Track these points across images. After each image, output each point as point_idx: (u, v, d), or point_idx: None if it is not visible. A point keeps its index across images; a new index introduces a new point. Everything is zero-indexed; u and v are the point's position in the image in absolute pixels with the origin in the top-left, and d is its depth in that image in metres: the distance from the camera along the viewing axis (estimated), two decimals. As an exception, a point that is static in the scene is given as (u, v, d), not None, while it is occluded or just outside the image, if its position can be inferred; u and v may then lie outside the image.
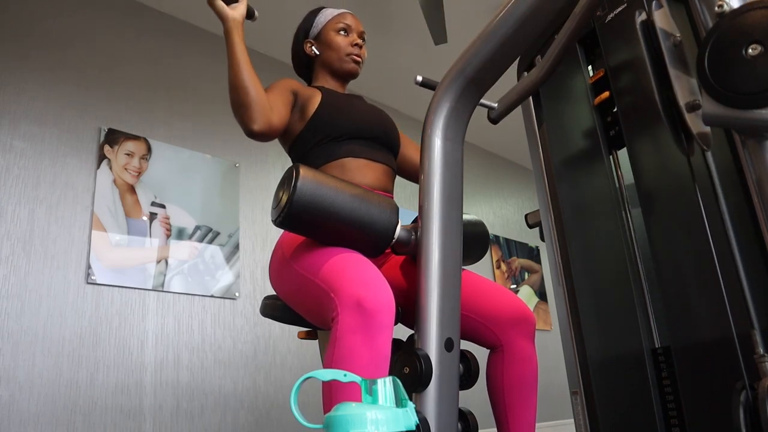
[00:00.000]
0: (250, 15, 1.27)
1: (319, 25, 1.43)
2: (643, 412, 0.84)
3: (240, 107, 1.17)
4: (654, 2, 0.87)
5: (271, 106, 1.21)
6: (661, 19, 0.81)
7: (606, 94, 0.95)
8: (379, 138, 1.35)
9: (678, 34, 0.80)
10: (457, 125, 1.14)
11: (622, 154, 0.96)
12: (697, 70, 0.67)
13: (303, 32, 1.46)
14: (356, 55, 1.42)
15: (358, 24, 1.45)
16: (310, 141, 1.30)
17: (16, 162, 2.08)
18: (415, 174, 1.53)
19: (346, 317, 0.92)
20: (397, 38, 3.12)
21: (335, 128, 1.29)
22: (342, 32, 1.41)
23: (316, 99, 1.33)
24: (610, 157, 0.97)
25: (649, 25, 0.84)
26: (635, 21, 0.87)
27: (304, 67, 1.49)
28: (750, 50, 0.62)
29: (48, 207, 2.10)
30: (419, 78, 1.37)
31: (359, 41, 1.43)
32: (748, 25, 0.63)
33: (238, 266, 2.57)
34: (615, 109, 0.95)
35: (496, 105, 1.33)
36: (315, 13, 1.46)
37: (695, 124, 0.76)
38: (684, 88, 0.77)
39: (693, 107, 0.76)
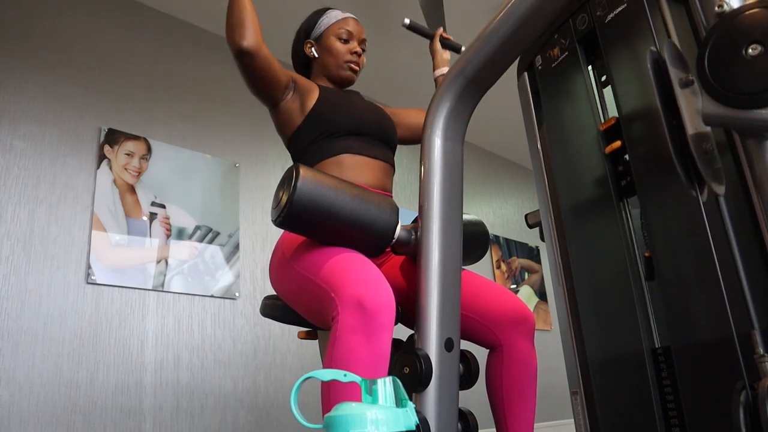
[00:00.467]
0: None
1: (321, 27, 1.43)
2: (643, 412, 0.84)
3: (234, 25, 1.18)
4: (655, 5, 0.87)
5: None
6: (673, 57, 0.80)
7: (612, 122, 0.94)
8: (376, 134, 1.35)
9: (689, 73, 0.79)
10: (457, 125, 1.14)
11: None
12: (697, 70, 0.67)
13: (304, 32, 1.46)
14: (354, 63, 1.41)
15: (361, 31, 1.44)
16: (308, 136, 1.30)
17: (16, 162, 2.08)
18: (417, 135, 1.53)
19: (347, 317, 0.92)
20: (397, 38, 3.12)
21: (332, 124, 1.29)
22: (342, 38, 1.41)
23: (314, 94, 1.33)
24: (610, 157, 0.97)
25: (652, 31, 0.83)
26: (637, 25, 0.86)
27: (303, 65, 1.49)
28: (750, 50, 0.62)
29: (48, 207, 2.10)
30: (407, 21, 1.38)
31: (358, 49, 1.42)
32: (748, 25, 0.63)
33: (238, 266, 2.57)
34: (615, 113, 0.95)
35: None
36: (319, 13, 1.45)
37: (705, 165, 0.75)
38: (693, 116, 0.76)
39: (706, 152, 0.75)
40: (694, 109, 0.77)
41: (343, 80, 1.43)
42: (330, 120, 1.30)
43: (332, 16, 1.43)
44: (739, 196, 0.72)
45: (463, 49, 1.59)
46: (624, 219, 0.92)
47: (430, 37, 1.63)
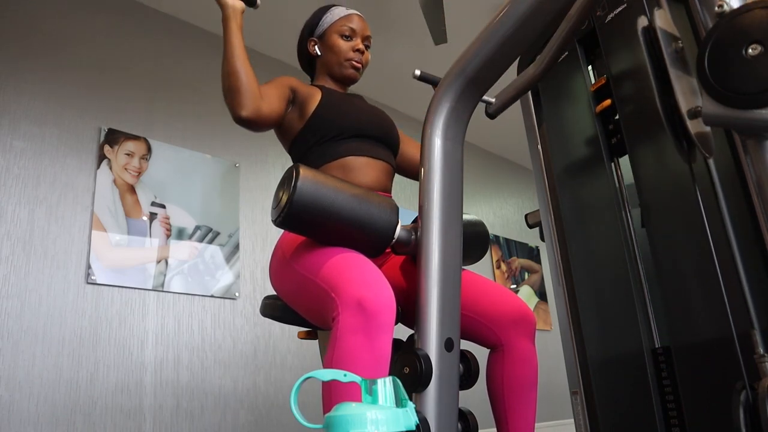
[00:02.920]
0: (251, 3, 1.26)
1: (325, 24, 1.42)
2: (643, 412, 0.84)
3: (230, 92, 1.17)
4: (655, 5, 0.87)
5: (263, 95, 1.21)
6: (663, 23, 0.80)
7: (608, 102, 0.94)
8: (378, 136, 1.35)
9: (680, 40, 0.80)
10: (457, 125, 1.14)
11: (623, 157, 0.96)
12: (697, 70, 0.67)
13: (308, 29, 1.45)
14: (356, 61, 1.40)
15: (364, 28, 1.43)
16: (310, 140, 1.30)
17: (16, 162, 2.08)
18: (414, 172, 1.52)
19: (347, 317, 0.92)
20: (397, 38, 3.12)
21: (335, 127, 1.29)
22: (345, 36, 1.40)
23: (316, 98, 1.32)
24: (611, 158, 0.97)
25: (650, 30, 0.83)
26: (637, 25, 0.86)
27: (307, 63, 1.48)
28: (750, 50, 0.62)
29: (48, 207, 2.10)
30: (417, 72, 1.36)
31: (361, 47, 1.41)
32: (748, 25, 0.63)
33: (238, 266, 2.57)
34: (617, 117, 0.94)
35: (493, 100, 1.33)
36: (323, 11, 1.44)
37: (697, 130, 0.76)
38: (686, 94, 0.77)
39: (695, 114, 0.76)
40: (683, 76, 0.77)
41: (345, 78, 1.42)
42: (332, 123, 1.29)
43: (335, 14, 1.42)
44: (739, 197, 0.72)
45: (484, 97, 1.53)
46: (624, 221, 0.92)
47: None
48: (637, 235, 0.92)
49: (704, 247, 0.75)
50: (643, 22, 0.85)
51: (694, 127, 0.75)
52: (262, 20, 2.78)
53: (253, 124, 1.20)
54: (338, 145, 1.29)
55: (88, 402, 1.98)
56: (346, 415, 0.69)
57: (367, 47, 1.44)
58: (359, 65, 1.41)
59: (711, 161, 0.76)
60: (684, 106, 0.76)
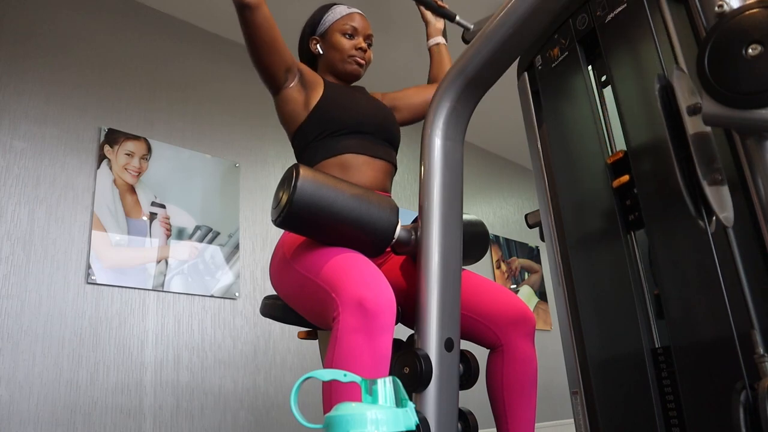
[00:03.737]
0: None
1: (326, 23, 1.42)
2: (643, 412, 0.84)
3: None
4: (655, 5, 0.87)
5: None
6: (682, 85, 0.78)
7: (620, 155, 0.91)
8: (379, 133, 1.34)
9: (699, 103, 0.77)
10: (457, 125, 1.14)
11: (620, 144, 0.95)
12: (697, 70, 0.67)
13: (310, 28, 1.45)
14: (359, 58, 1.40)
15: (366, 26, 1.43)
16: (311, 134, 1.30)
17: (16, 162, 2.08)
18: (419, 112, 1.55)
19: (347, 317, 0.92)
20: (397, 38, 3.12)
21: (336, 122, 1.29)
22: (347, 34, 1.40)
23: (319, 90, 1.32)
24: (610, 155, 0.97)
25: (667, 89, 0.81)
26: (655, 87, 0.84)
27: (309, 63, 1.48)
28: (750, 50, 0.62)
29: (48, 207, 2.10)
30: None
31: (363, 45, 1.41)
32: (748, 25, 0.63)
33: (238, 266, 2.57)
34: (617, 115, 0.95)
35: (472, 26, 1.34)
36: (324, 9, 1.45)
37: (716, 196, 0.73)
38: (705, 161, 0.74)
39: (714, 181, 0.73)
40: (703, 139, 0.75)
41: (348, 74, 1.42)
42: (333, 118, 1.29)
43: (337, 12, 1.42)
44: (739, 196, 0.72)
45: (457, 17, 1.54)
46: (631, 249, 0.92)
47: (427, 4, 1.59)
48: (638, 234, 0.92)
49: (704, 247, 0.75)
50: (660, 83, 0.83)
51: (713, 194, 0.73)
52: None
53: (253, 9, 1.19)
54: (338, 141, 1.28)
55: (88, 402, 1.98)
56: (346, 415, 0.69)
57: (369, 45, 1.44)
58: (362, 61, 1.41)
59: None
60: (702, 173, 0.74)
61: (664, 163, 0.81)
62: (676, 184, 0.78)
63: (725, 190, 0.73)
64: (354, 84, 1.50)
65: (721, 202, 0.72)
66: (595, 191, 0.98)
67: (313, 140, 1.30)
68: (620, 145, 0.95)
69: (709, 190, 0.73)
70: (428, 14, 1.63)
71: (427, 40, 1.65)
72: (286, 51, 1.29)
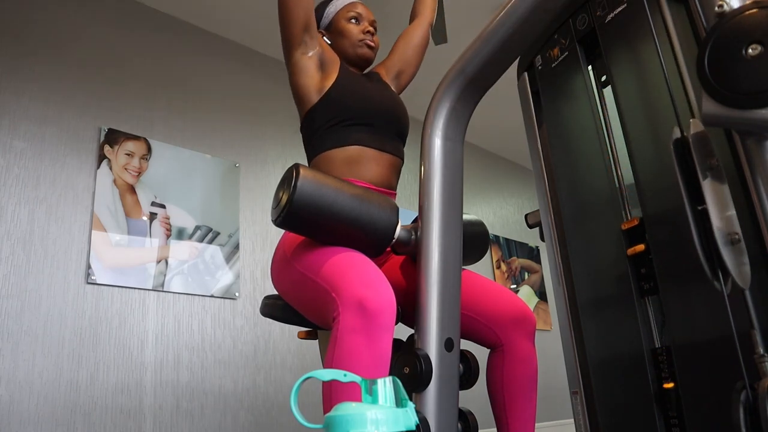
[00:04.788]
0: None
1: (330, 15, 1.42)
2: (643, 412, 0.84)
3: None
4: (655, 5, 0.87)
5: None
6: (698, 141, 0.76)
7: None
8: (390, 125, 1.33)
9: (715, 157, 0.74)
10: (457, 125, 1.14)
11: (620, 144, 0.95)
12: (697, 70, 0.67)
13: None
14: (369, 40, 1.41)
15: (369, 13, 1.44)
16: (321, 120, 1.29)
17: (16, 162, 2.08)
18: (418, 54, 1.57)
19: (348, 317, 0.92)
20: (396, 37, 3.12)
21: (347, 111, 1.28)
22: (353, 20, 1.41)
23: (334, 73, 1.32)
24: (609, 155, 0.97)
25: (684, 142, 0.79)
26: (670, 138, 0.82)
27: None
28: (750, 50, 0.62)
29: (48, 207, 2.10)
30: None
31: (371, 29, 1.42)
32: (748, 25, 0.63)
33: (238, 266, 2.57)
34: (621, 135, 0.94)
35: None
36: (325, 4, 1.45)
37: (731, 258, 0.72)
38: (723, 219, 0.73)
39: (731, 242, 0.72)
40: (720, 198, 0.73)
41: (361, 58, 1.41)
42: (345, 106, 1.28)
43: (338, 4, 1.43)
44: (739, 196, 0.72)
45: None
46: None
47: None
48: (633, 236, 0.92)
49: (704, 246, 0.75)
50: (676, 133, 0.81)
51: (729, 254, 0.72)
52: (264, 20, 2.78)
53: None
54: (348, 131, 1.27)
55: (88, 402, 1.98)
56: (346, 415, 0.69)
57: (375, 30, 1.44)
58: (372, 44, 1.42)
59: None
60: (719, 232, 0.72)
61: (681, 231, 0.78)
62: (694, 249, 0.75)
63: (742, 247, 0.71)
64: (367, 71, 1.49)
65: (738, 262, 0.71)
66: (595, 192, 0.98)
67: (321, 127, 1.29)
68: (620, 145, 0.95)
69: (725, 251, 0.71)
70: None
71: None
72: (311, 5, 1.27)
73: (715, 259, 0.74)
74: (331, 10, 1.43)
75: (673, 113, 0.82)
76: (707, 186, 0.74)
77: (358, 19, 1.41)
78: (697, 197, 0.76)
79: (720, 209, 0.73)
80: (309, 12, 1.27)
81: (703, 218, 0.76)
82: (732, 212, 0.72)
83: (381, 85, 1.42)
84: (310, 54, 1.30)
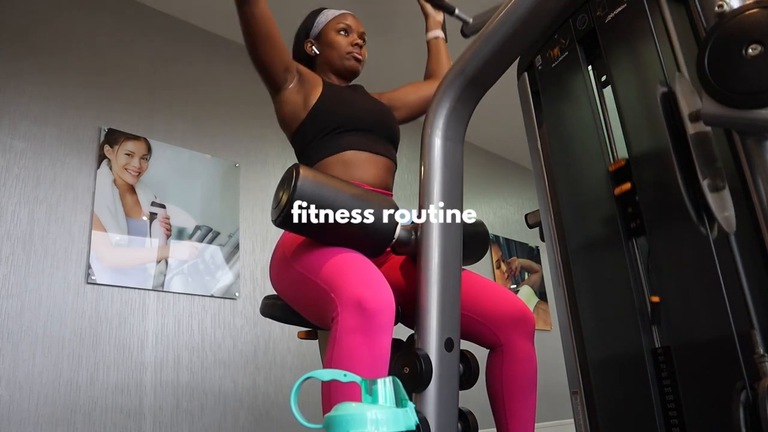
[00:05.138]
0: None
1: (320, 25, 1.44)
2: (643, 412, 0.84)
3: None
4: (655, 5, 0.87)
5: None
6: (684, 91, 0.77)
7: (622, 163, 0.91)
8: (379, 130, 1.35)
9: (701, 106, 0.76)
10: (457, 125, 1.14)
11: (620, 144, 0.95)
12: (697, 70, 0.67)
13: (303, 32, 1.47)
14: (357, 53, 1.42)
15: (359, 25, 1.46)
16: (311, 132, 1.30)
17: (16, 162, 2.08)
18: (418, 108, 1.57)
19: (347, 317, 0.92)
20: (397, 38, 3.12)
21: (336, 120, 1.29)
22: (342, 32, 1.42)
23: (318, 89, 1.33)
24: (609, 155, 0.97)
25: (670, 96, 0.81)
26: (656, 93, 0.83)
27: (305, 66, 1.49)
28: (750, 50, 0.62)
29: (48, 207, 2.10)
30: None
31: (359, 41, 1.43)
32: (748, 25, 0.63)
33: (238, 266, 2.57)
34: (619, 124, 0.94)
35: (471, 19, 1.35)
36: (316, 13, 1.47)
37: (717, 203, 0.73)
38: (707, 165, 0.74)
39: (716, 187, 0.73)
40: (705, 144, 0.75)
41: (348, 71, 1.43)
42: (333, 116, 1.30)
43: (329, 14, 1.45)
44: (739, 196, 0.72)
45: (457, 11, 1.56)
46: (631, 252, 0.91)
47: None
48: (639, 240, 0.92)
49: (704, 247, 0.75)
50: (663, 90, 0.82)
51: (714, 200, 0.73)
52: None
53: (251, 5, 1.19)
54: (338, 138, 1.29)
55: (88, 402, 1.98)
56: (346, 415, 0.69)
57: (363, 42, 1.45)
58: (360, 57, 1.43)
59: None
60: (705, 181, 0.73)
61: (666, 170, 0.80)
62: (678, 191, 0.77)
63: (727, 194, 0.72)
64: (352, 83, 1.50)
65: (723, 207, 0.72)
66: (595, 193, 0.98)
67: (313, 139, 1.30)
68: (620, 145, 0.95)
69: (710, 196, 0.72)
70: (428, 6, 1.64)
71: (426, 33, 1.66)
72: (284, 49, 1.30)
73: (701, 206, 0.75)
74: (321, 20, 1.44)
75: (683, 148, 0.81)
76: (692, 133, 0.75)
77: (347, 30, 1.43)
78: (685, 150, 0.77)
79: (704, 156, 0.74)
80: (284, 56, 1.30)
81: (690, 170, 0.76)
82: (718, 160, 0.74)
83: (367, 96, 1.45)
84: (291, 86, 1.33)
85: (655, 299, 0.84)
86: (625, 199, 0.90)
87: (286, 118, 1.35)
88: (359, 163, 1.28)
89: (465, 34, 1.54)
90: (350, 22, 1.44)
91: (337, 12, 1.45)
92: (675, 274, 0.82)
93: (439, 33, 1.65)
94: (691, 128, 0.76)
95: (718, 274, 0.73)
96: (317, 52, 1.44)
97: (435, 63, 1.63)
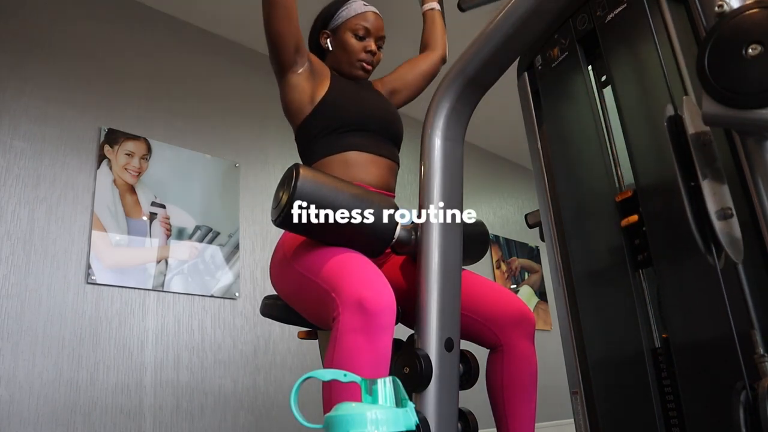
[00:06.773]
0: None
1: (340, 19, 1.39)
2: (643, 412, 0.84)
3: None
4: (655, 5, 0.87)
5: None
6: (691, 116, 0.76)
7: (629, 194, 0.90)
8: (383, 131, 1.33)
9: (709, 134, 0.74)
10: (457, 125, 1.14)
11: (622, 156, 0.96)
12: (697, 70, 0.67)
13: (322, 21, 1.43)
14: (367, 62, 1.38)
15: (379, 27, 1.40)
16: (315, 129, 1.29)
17: (16, 162, 2.08)
18: (418, 84, 1.56)
19: (347, 317, 0.92)
20: (397, 38, 3.12)
21: (341, 119, 1.28)
22: (358, 35, 1.37)
23: (326, 82, 1.31)
24: (609, 155, 0.97)
25: (677, 119, 0.80)
26: (663, 115, 0.83)
27: (316, 53, 1.45)
28: (750, 50, 0.62)
29: (48, 207, 2.10)
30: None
31: (374, 48, 1.39)
32: (748, 25, 0.63)
33: (238, 266, 2.57)
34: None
35: None
36: (340, 3, 1.41)
37: (726, 232, 0.72)
38: (715, 194, 0.73)
39: (724, 215, 0.72)
40: (712, 174, 0.74)
41: (353, 78, 1.40)
42: (339, 115, 1.28)
43: (352, 9, 1.38)
44: (739, 196, 0.72)
45: None
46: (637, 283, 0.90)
47: None
48: (633, 231, 0.92)
49: (704, 247, 0.75)
50: (669, 111, 0.81)
51: (722, 229, 0.72)
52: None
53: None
54: (342, 138, 1.27)
55: (88, 402, 1.98)
56: (346, 415, 0.69)
57: (379, 47, 1.42)
58: (369, 67, 1.39)
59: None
60: (712, 207, 0.72)
61: (674, 200, 0.78)
62: (686, 221, 0.76)
63: (735, 225, 0.71)
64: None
65: (731, 237, 0.71)
66: (596, 194, 0.98)
67: (316, 136, 1.29)
68: (621, 145, 0.95)
69: (718, 225, 0.71)
70: None
71: (422, 5, 1.65)
72: (298, 28, 1.26)
73: (709, 236, 0.74)
74: (343, 13, 1.39)
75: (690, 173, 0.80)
76: (699, 160, 0.74)
77: (364, 35, 1.37)
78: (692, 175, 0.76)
79: (712, 186, 0.73)
80: (298, 34, 1.27)
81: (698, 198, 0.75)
82: (725, 187, 0.73)
83: (373, 92, 1.42)
84: (301, 71, 1.29)
85: (668, 386, 0.83)
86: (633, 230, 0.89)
87: (292, 107, 1.31)
88: (362, 164, 1.27)
89: (462, 7, 1.53)
90: (370, 24, 1.38)
91: (360, 9, 1.39)
92: (676, 274, 0.81)
93: (435, 5, 1.64)
94: (698, 155, 0.75)
95: (718, 274, 0.73)
96: (330, 48, 1.41)
97: (429, 34, 1.61)
